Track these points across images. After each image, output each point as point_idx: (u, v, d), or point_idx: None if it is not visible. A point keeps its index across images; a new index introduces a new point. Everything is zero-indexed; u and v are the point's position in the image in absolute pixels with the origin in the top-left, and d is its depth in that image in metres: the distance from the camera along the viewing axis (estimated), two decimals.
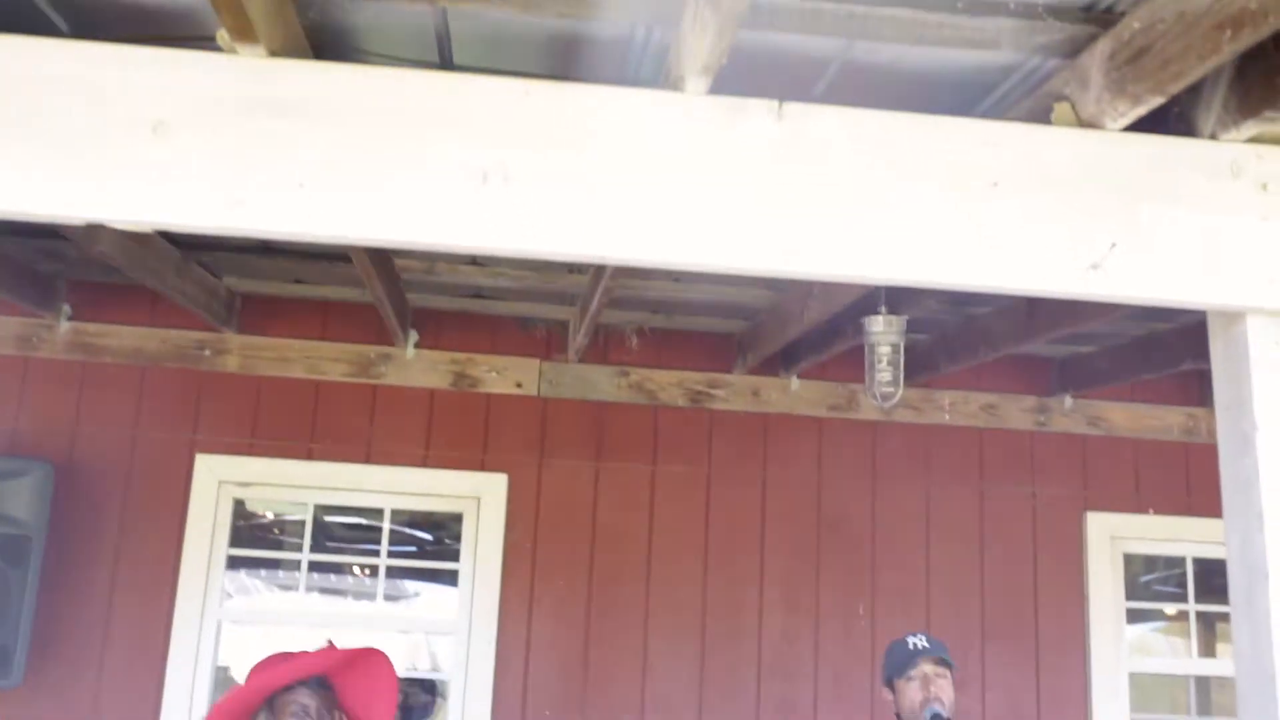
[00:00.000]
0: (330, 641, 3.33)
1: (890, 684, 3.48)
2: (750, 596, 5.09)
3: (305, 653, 3.25)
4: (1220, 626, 5.47)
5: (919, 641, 3.45)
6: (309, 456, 5.00)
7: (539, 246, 2.05)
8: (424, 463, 5.04)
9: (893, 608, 5.10)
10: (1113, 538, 5.28)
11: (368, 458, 5.03)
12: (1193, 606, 5.34)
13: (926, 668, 3.40)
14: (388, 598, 5.15)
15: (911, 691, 3.38)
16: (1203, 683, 5.46)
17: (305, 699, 3.17)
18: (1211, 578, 5.41)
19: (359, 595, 5.32)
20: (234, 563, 4.99)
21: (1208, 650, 5.45)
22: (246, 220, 2.00)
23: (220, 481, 4.94)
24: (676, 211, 2.06)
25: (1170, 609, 5.49)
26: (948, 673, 3.41)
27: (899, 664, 3.44)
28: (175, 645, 4.76)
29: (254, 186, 2.00)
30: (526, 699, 4.91)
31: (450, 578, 5.04)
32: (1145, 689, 5.36)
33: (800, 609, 5.10)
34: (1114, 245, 2.13)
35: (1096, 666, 5.14)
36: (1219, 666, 5.37)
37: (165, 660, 4.75)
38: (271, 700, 3.15)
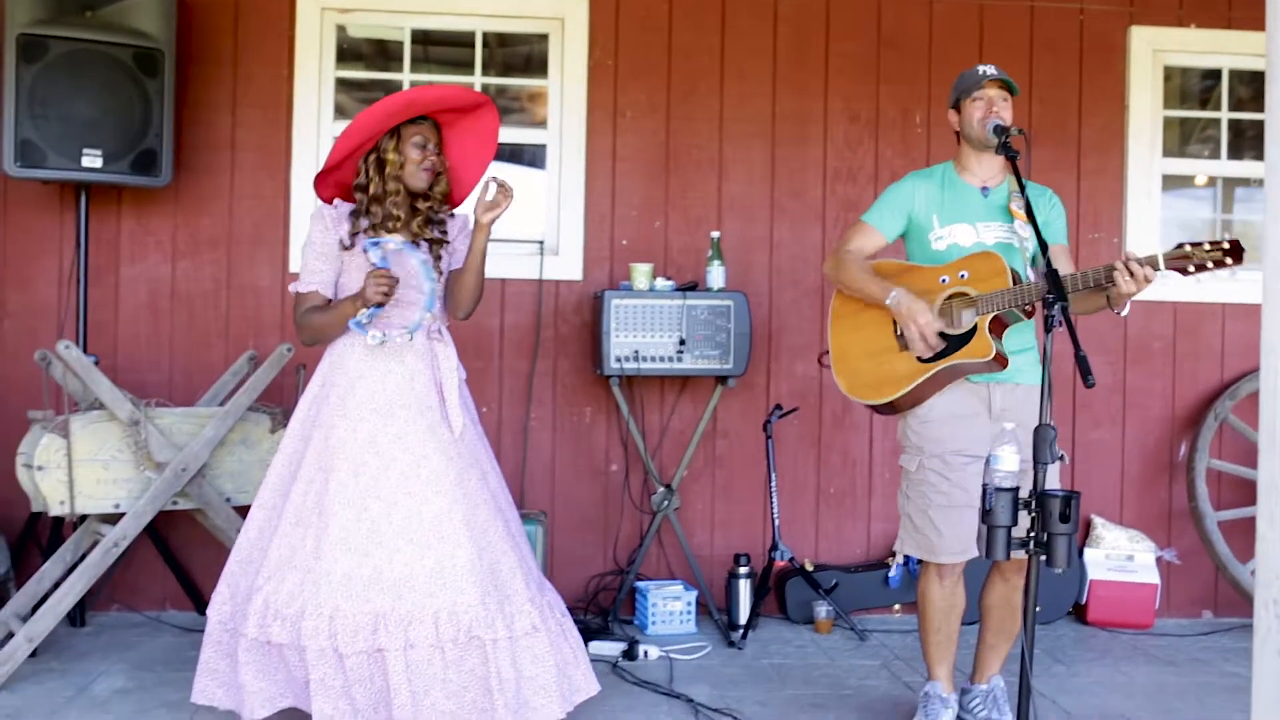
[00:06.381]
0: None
1: (957, 106, 3.87)
2: (815, 107, 5.52)
3: (428, 86, 3.73)
4: (1250, 134, 5.89)
5: (988, 69, 3.84)
6: None
7: None
8: None
9: (945, 117, 5.51)
10: (1154, 50, 5.64)
11: None
12: (1225, 114, 5.76)
13: (992, 91, 3.78)
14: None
15: (977, 110, 3.79)
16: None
17: (428, 132, 3.69)
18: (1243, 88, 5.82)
19: None
20: (341, 85, 5.43)
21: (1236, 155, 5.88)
22: None
23: (322, 8, 5.32)
24: None
25: (1205, 116, 5.89)
26: (1011, 100, 3.82)
27: (967, 86, 3.81)
28: (296, 155, 5.27)
29: None
30: (615, 201, 5.43)
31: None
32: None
33: (861, 119, 5.54)
34: None
35: (1133, 167, 5.62)
36: (1246, 169, 5.82)
37: (289, 169, 5.27)
38: (398, 128, 3.65)
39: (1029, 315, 3.73)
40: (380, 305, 3.50)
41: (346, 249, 3.63)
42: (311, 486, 3.53)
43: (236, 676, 3.49)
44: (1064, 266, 3.70)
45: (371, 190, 3.63)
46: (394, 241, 3.56)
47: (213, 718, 3.75)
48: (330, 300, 3.65)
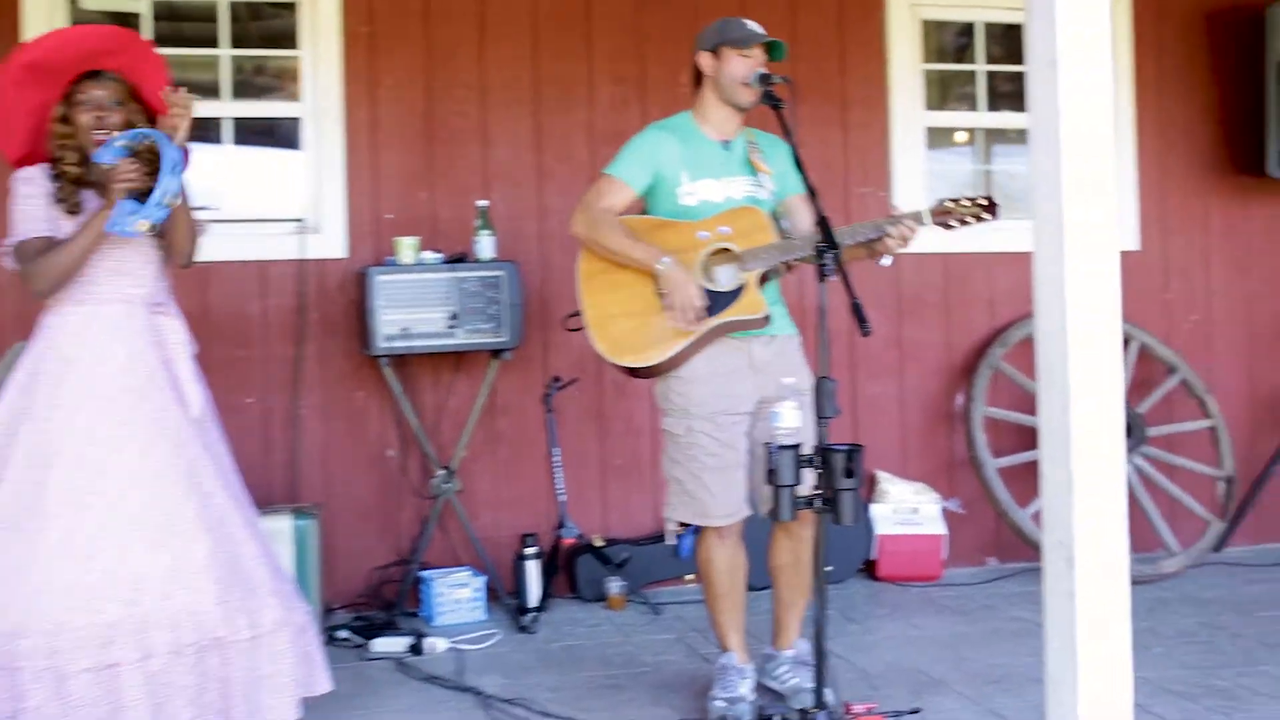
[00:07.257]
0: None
1: (715, 50, 3.69)
2: (580, 70, 5.39)
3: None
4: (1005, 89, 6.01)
5: (760, 30, 3.64)
6: None
7: None
8: None
9: None
10: (911, 4, 5.71)
11: None
12: (982, 67, 5.87)
13: (760, 54, 3.64)
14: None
15: (740, 67, 3.62)
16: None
17: (99, 89, 3.35)
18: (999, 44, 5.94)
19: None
20: None
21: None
22: None
23: None
24: None
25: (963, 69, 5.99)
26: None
27: (733, 37, 3.64)
28: None
29: None
30: (378, 175, 5.20)
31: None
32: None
33: (628, 80, 5.44)
34: None
35: (897, 121, 5.68)
36: (1006, 119, 5.95)
37: None
38: (69, 93, 3.35)
39: (790, 269, 3.70)
40: (135, 197, 3.21)
41: (60, 201, 3.34)
42: (23, 487, 3.21)
43: None
44: (806, 217, 3.63)
45: (59, 168, 3.37)
46: (124, 137, 3.28)
47: None
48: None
